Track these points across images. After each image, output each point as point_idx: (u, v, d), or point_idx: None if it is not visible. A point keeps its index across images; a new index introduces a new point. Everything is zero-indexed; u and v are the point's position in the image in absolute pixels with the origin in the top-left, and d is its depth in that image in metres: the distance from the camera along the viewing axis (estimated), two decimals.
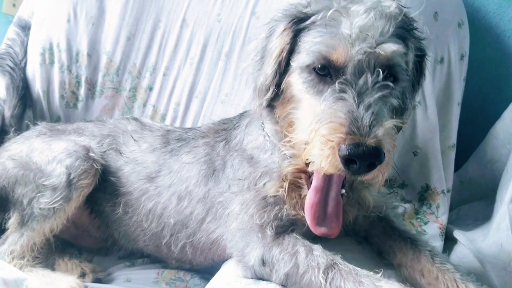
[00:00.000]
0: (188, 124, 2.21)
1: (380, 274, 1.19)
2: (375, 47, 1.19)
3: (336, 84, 1.18)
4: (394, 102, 1.25)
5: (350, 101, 1.15)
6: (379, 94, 1.16)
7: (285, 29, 1.32)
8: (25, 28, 2.43)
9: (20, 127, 2.20)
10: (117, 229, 1.84)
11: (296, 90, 1.31)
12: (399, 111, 1.33)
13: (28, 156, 1.79)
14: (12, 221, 1.78)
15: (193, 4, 2.22)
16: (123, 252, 1.96)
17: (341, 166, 1.11)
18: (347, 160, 1.10)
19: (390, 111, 1.22)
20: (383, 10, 1.25)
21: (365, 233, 1.54)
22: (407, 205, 1.87)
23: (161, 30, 2.26)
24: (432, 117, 1.89)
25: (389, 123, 1.13)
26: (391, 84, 1.20)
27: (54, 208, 1.70)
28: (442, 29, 1.94)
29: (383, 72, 1.19)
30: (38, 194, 1.71)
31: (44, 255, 1.82)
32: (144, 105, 2.30)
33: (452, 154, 1.95)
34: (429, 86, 1.90)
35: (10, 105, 2.19)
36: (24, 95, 2.25)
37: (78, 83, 2.32)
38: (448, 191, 1.90)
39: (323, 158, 1.13)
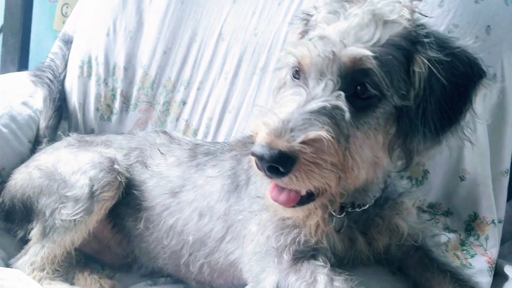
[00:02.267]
0: (220, 139, 2.14)
1: None
2: (338, 52, 1.08)
3: (295, 87, 1.14)
4: (370, 120, 1.11)
5: (293, 104, 1.08)
6: (324, 102, 1.06)
7: (298, 33, 1.30)
8: (68, 42, 2.48)
9: (54, 138, 2.21)
10: (138, 246, 1.78)
11: None
12: (402, 134, 1.15)
13: (54, 167, 1.77)
14: (35, 231, 1.76)
15: (230, 19, 2.18)
16: (143, 270, 1.88)
17: (255, 163, 1.07)
18: (254, 155, 1.05)
19: (333, 122, 1.06)
20: (380, 16, 1.12)
21: (400, 263, 1.39)
22: (452, 235, 1.68)
23: (197, 44, 2.23)
24: (483, 139, 1.71)
25: (314, 133, 1.02)
26: (342, 93, 1.07)
27: (75, 220, 1.66)
28: (495, 44, 1.78)
29: (357, 85, 1.09)
30: (61, 205, 1.69)
31: (64, 268, 1.78)
32: (177, 119, 2.26)
33: (505, 181, 1.75)
34: (480, 105, 1.73)
35: (46, 116, 2.22)
36: (60, 106, 2.27)
37: (114, 96, 2.32)
38: (499, 222, 1.71)
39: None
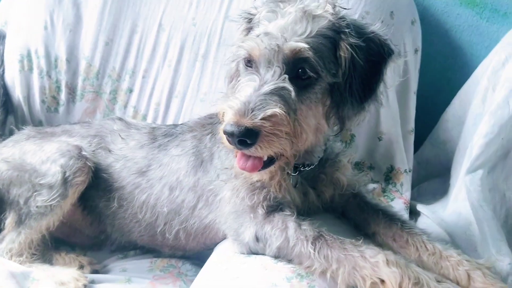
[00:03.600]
0: (169, 123, 2.33)
1: (361, 241, 1.38)
2: (281, 45, 1.36)
3: (249, 75, 1.41)
4: (310, 95, 1.41)
5: (250, 88, 1.35)
6: (274, 85, 1.35)
7: (242, 29, 1.55)
8: (0, 37, 2.48)
9: (4, 132, 2.27)
10: (110, 224, 1.95)
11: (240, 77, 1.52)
12: (335, 105, 1.46)
13: (21, 158, 1.87)
14: (9, 221, 1.86)
15: (169, 10, 2.35)
16: (115, 246, 2.06)
17: (226, 139, 1.34)
18: (226, 133, 1.31)
19: (283, 100, 1.34)
20: (310, 12, 1.42)
21: (342, 209, 1.74)
22: (376, 185, 2.08)
23: (138, 35, 2.38)
24: (393, 105, 2.11)
25: (271, 110, 1.30)
26: (286, 76, 1.35)
27: (51, 205, 1.79)
28: (398, 27, 2.17)
29: (298, 69, 1.38)
30: (35, 193, 1.80)
31: (40, 251, 1.90)
32: (125, 106, 2.41)
33: (411, 138, 2.18)
34: (389, 78, 2.11)
35: None
36: (5, 101, 2.33)
37: (58, 88, 2.41)
38: (410, 171, 2.13)
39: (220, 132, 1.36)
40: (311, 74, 1.39)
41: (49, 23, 2.39)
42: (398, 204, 2.02)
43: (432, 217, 1.91)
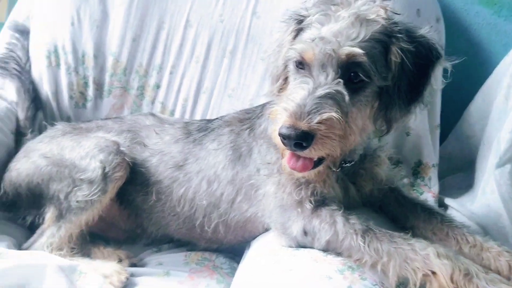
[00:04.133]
0: (197, 118, 2.36)
1: (410, 234, 1.44)
2: (336, 50, 1.39)
3: (302, 77, 1.44)
4: (361, 98, 1.45)
5: (305, 91, 1.39)
6: (329, 89, 1.38)
7: (291, 30, 1.57)
8: (24, 32, 2.49)
9: (34, 128, 2.29)
10: (147, 217, 1.98)
11: (289, 78, 1.56)
12: (383, 107, 1.50)
13: (60, 154, 1.90)
14: (49, 215, 1.88)
15: (196, 6, 2.37)
16: (149, 239, 2.09)
17: (280, 141, 1.38)
18: (281, 136, 1.36)
19: (337, 104, 1.38)
20: (363, 17, 1.44)
21: (380, 203, 1.79)
22: (404, 180, 2.14)
23: (165, 31, 2.40)
24: None
25: (327, 114, 1.34)
26: (341, 80, 1.39)
27: (91, 200, 1.82)
28: (424, 25, 2.20)
29: (350, 72, 1.41)
30: (75, 188, 1.83)
31: (79, 245, 1.93)
32: (153, 102, 2.43)
33: (437, 133, 2.24)
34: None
35: (23, 108, 2.27)
36: (35, 97, 2.34)
37: (86, 83, 2.42)
38: (436, 165, 2.19)
39: (275, 137, 1.40)
40: (364, 78, 1.43)
41: (76, 19, 2.40)
42: (427, 198, 2.08)
43: (461, 210, 1.97)
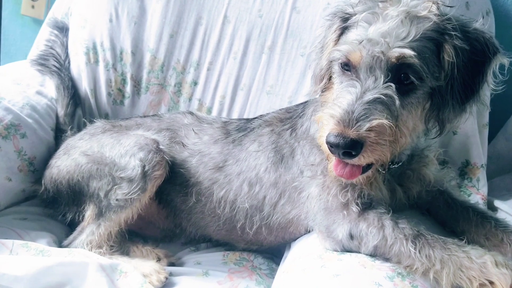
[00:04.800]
0: (235, 116, 2.33)
1: (464, 240, 1.36)
2: (385, 52, 1.31)
3: (349, 81, 1.38)
4: (412, 100, 1.38)
5: (353, 96, 1.33)
6: (378, 93, 1.31)
7: (335, 28, 1.49)
8: (63, 29, 2.51)
9: (73, 125, 2.30)
10: (186, 218, 1.96)
11: (333, 79, 1.50)
12: (435, 107, 1.43)
13: (100, 152, 1.89)
14: (89, 213, 1.88)
15: (234, 2, 2.32)
16: (187, 239, 2.08)
17: (327, 148, 1.34)
18: (330, 144, 1.30)
19: (387, 108, 1.32)
20: (414, 14, 1.36)
21: (429, 206, 1.71)
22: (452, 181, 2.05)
23: (203, 27, 2.37)
24: None
25: (376, 121, 1.28)
26: (392, 84, 1.32)
27: (131, 198, 1.81)
28: (473, 17, 2.10)
29: (400, 74, 1.34)
30: (115, 186, 1.82)
31: (118, 243, 1.93)
32: (190, 99, 2.41)
33: (486, 132, 2.13)
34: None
35: (62, 104, 2.28)
36: (74, 94, 2.35)
37: (124, 80, 2.42)
38: (485, 166, 2.09)
39: (322, 143, 1.36)
40: (414, 80, 1.35)
41: (114, 15, 2.39)
42: (475, 200, 1.98)
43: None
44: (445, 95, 1.40)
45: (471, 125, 2.06)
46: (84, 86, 2.40)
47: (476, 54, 1.40)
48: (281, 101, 2.26)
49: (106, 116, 2.41)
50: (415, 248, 1.35)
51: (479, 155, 2.06)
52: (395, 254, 1.39)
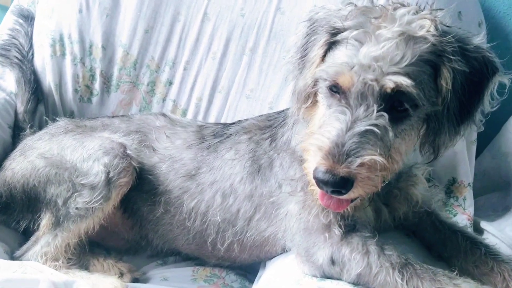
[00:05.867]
0: (212, 120, 2.19)
1: (456, 272, 1.25)
2: (379, 79, 1.19)
3: (338, 106, 1.25)
4: (406, 127, 1.26)
5: (342, 125, 1.20)
6: (370, 125, 1.19)
7: (322, 43, 1.33)
8: (28, 18, 2.32)
9: (34, 122, 2.12)
10: (153, 229, 1.81)
11: (319, 98, 1.35)
12: (432, 132, 1.32)
13: (60, 155, 1.73)
14: (45, 222, 1.72)
15: None
16: (153, 251, 1.93)
17: (314, 182, 1.22)
18: (317, 180, 1.19)
19: (380, 140, 1.20)
20: (410, 34, 1.22)
21: (415, 228, 1.60)
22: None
23: (180, 24, 2.22)
24: None
25: (368, 157, 1.17)
26: (385, 114, 1.20)
27: (93, 207, 1.66)
28: (465, 27, 2.01)
29: (394, 100, 1.21)
30: (75, 194, 1.67)
31: (76, 256, 1.77)
32: (164, 99, 2.26)
33: (474, 149, 2.03)
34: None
35: (23, 100, 2.11)
36: (36, 88, 2.17)
37: (93, 76, 2.25)
38: (472, 184, 1.99)
39: (309, 173, 1.24)
40: (409, 107, 1.23)
41: (84, 6, 2.22)
42: (461, 220, 1.87)
43: (499, 236, 1.78)
44: (441, 120, 1.29)
45: (459, 142, 1.95)
46: (48, 80, 2.22)
47: (474, 74, 1.28)
48: (261, 107, 2.13)
49: (71, 114, 2.23)
50: (402, 279, 1.23)
51: (467, 172, 1.96)
52: (380, 284, 1.27)
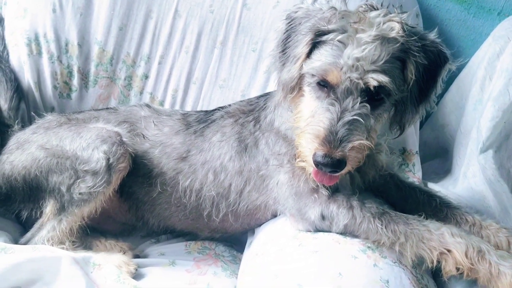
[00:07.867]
0: (188, 109, 2.36)
1: (423, 216, 1.55)
2: (361, 77, 1.45)
3: (328, 99, 1.50)
4: (380, 111, 1.56)
5: (333, 115, 1.47)
6: (357, 115, 1.46)
7: (307, 42, 1.55)
8: None
9: (18, 119, 2.18)
10: (149, 210, 1.98)
11: (305, 89, 1.60)
12: (399, 113, 1.62)
13: (60, 145, 1.84)
14: (49, 209, 1.83)
15: None
16: (146, 231, 2.09)
17: (313, 165, 1.48)
18: (317, 163, 1.46)
19: (364, 126, 1.48)
20: (385, 37, 1.47)
21: (381, 188, 1.90)
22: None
23: (153, 21, 2.36)
24: None
25: (358, 142, 1.45)
26: (367, 105, 1.47)
27: (96, 191, 1.79)
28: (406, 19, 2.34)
29: (373, 92, 1.48)
30: (78, 180, 1.79)
31: (79, 239, 1.89)
32: (141, 93, 2.40)
33: (418, 122, 2.38)
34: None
35: (6, 97, 2.17)
36: (18, 86, 2.23)
37: (70, 73, 2.34)
38: (418, 152, 2.33)
39: (305, 156, 1.51)
40: (384, 96, 1.52)
41: (57, 5, 2.30)
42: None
43: (445, 192, 2.12)
44: (406, 103, 1.59)
45: None
46: (27, 78, 2.29)
47: (431, 63, 1.57)
48: (234, 95, 2.33)
49: (52, 110, 2.32)
50: (381, 225, 1.52)
51: (414, 142, 2.30)
52: (363, 231, 1.55)
